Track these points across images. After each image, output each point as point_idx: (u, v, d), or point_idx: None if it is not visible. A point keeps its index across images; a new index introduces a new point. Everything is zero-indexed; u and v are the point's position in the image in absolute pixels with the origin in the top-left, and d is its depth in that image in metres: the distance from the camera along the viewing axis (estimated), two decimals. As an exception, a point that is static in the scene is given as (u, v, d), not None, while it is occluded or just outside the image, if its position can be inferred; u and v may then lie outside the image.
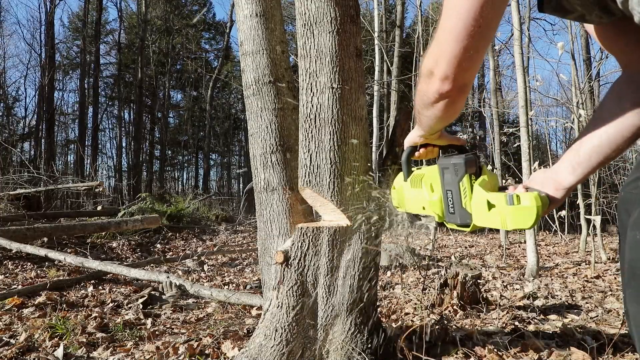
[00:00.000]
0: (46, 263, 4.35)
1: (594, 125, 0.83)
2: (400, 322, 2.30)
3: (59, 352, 1.99)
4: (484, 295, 2.73)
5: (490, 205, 0.89)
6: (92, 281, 3.68)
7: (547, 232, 8.75)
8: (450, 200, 0.98)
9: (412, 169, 1.18)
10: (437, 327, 1.99)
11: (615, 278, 3.73)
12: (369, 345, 1.56)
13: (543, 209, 0.83)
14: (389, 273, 4.03)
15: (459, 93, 0.79)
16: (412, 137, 1.11)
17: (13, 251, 4.49)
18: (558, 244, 7.07)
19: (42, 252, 4.25)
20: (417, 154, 1.15)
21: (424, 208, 1.11)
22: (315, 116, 1.52)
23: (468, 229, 0.97)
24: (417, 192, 1.14)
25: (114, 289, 3.48)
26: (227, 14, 27.53)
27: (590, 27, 0.82)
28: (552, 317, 2.47)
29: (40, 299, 2.99)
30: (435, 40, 0.75)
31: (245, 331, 2.24)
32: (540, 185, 0.90)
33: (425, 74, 0.79)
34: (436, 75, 0.77)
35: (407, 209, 1.23)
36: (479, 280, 2.88)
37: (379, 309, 2.03)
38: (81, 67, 20.55)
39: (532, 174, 0.95)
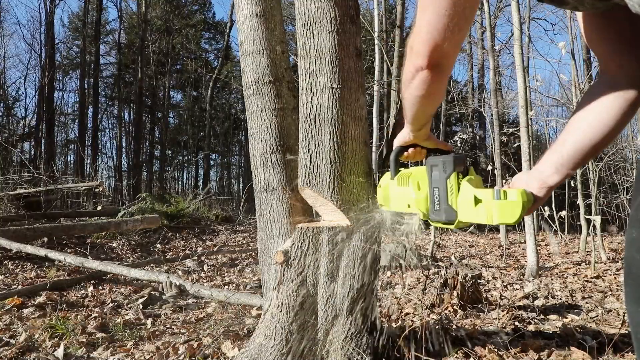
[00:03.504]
0: (46, 263, 4.35)
1: (577, 128, 0.86)
2: (400, 322, 2.30)
3: (59, 352, 1.99)
4: (484, 295, 2.73)
5: (477, 201, 0.92)
6: (92, 281, 3.68)
7: (547, 232, 8.75)
8: (436, 198, 1.00)
9: (400, 169, 1.20)
10: (437, 327, 1.99)
11: (615, 278, 3.73)
12: (369, 345, 1.56)
13: (528, 205, 0.86)
14: (389, 273, 4.02)
15: (433, 70, 0.81)
16: (402, 136, 1.14)
17: (13, 251, 4.49)
18: (558, 244, 7.07)
19: (42, 252, 4.25)
20: (405, 154, 1.18)
21: (409, 206, 1.13)
22: (315, 116, 1.52)
23: (452, 226, 0.99)
24: (403, 190, 1.15)
25: (114, 289, 3.48)
26: (227, 14, 27.54)
27: (581, 24, 0.84)
28: (552, 317, 2.46)
29: (40, 299, 2.99)
30: (416, 18, 0.80)
31: (245, 331, 2.24)
32: (525, 184, 0.93)
33: (407, 51, 0.83)
34: (414, 50, 0.80)
35: (391, 207, 1.24)
36: (479, 280, 2.88)
37: (379, 309, 2.03)
38: (81, 67, 20.55)
39: (515, 176, 0.97)
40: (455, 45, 0.78)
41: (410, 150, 1.16)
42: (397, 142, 1.16)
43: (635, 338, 0.60)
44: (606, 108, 0.81)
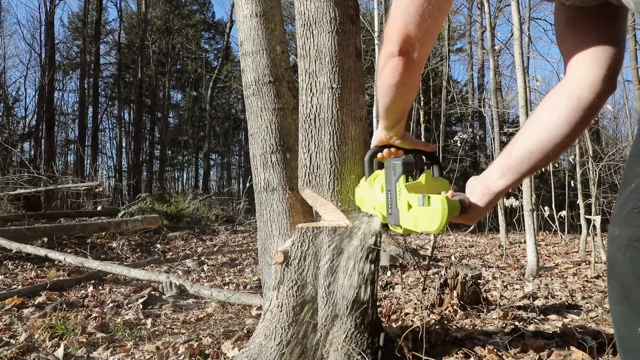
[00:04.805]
0: (46, 263, 4.35)
1: (528, 131, 0.83)
2: (400, 322, 2.30)
3: (59, 352, 1.99)
4: (484, 295, 2.73)
5: (409, 206, 0.90)
6: (92, 281, 3.68)
7: (547, 232, 8.75)
8: (389, 201, 0.98)
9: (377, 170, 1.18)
10: (437, 327, 1.99)
11: (615, 278, 3.72)
12: (369, 345, 1.56)
13: (451, 213, 0.83)
14: (389, 273, 4.02)
15: (404, 57, 0.81)
16: (377, 135, 1.11)
17: (13, 251, 4.49)
18: (558, 244, 7.07)
19: (42, 252, 4.25)
20: (379, 155, 1.14)
21: (374, 208, 1.11)
22: (315, 116, 1.52)
23: (401, 231, 0.96)
24: (370, 192, 1.14)
25: (114, 289, 3.48)
26: (227, 14, 27.54)
27: (555, 15, 0.81)
28: (552, 317, 2.46)
29: (40, 299, 2.99)
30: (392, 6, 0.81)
31: (245, 331, 2.24)
32: (470, 191, 0.89)
33: (383, 39, 0.84)
34: (387, 35, 0.81)
35: (365, 209, 1.23)
36: (479, 280, 2.88)
37: (379, 309, 2.03)
38: (81, 67, 20.57)
39: (468, 181, 0.93)
40: (427, 33, 0.78)
41: (385, 151, 1.12)
42: (374, 142, 1.14)
43: (618, 337, 0.60)
44: (561, 112, 0.77)
